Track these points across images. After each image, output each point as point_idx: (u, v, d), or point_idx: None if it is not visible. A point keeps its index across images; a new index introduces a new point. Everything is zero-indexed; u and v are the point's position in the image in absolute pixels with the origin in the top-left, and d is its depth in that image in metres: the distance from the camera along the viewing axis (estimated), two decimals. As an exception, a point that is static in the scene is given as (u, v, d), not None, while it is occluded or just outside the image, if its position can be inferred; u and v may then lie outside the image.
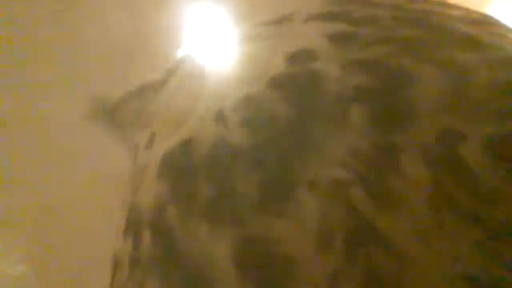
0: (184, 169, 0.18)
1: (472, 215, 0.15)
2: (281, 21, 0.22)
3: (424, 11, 0.20)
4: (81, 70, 0.64)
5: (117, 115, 0.30)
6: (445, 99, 0.16)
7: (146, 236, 0.19)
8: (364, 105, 0.16)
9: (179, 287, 0.17)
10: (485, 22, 0.20)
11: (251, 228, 0.16)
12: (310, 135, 0.16)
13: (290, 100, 0.17)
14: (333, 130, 0.16)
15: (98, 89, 0.61)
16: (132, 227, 0.20)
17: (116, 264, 0.21)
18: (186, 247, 0.17)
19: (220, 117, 0.18)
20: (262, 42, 0.21)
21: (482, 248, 0.15)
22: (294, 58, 0.19)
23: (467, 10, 0.21)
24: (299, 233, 0.15)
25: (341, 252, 0.15)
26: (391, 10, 0.20)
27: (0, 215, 0.75)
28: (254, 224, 0.16)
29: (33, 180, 0.78)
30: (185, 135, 0.19)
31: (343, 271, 0.15)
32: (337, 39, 0.18)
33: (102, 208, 0.72)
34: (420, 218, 0.15)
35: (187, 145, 0.19)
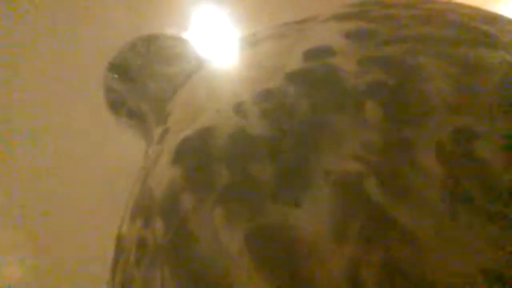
0: (201, 156, 0.19)
1: (489, 212, 0.15)
2: (301, 22, 0.22)
3: (440, 10, 0.20)
4: (80, 70, 0.64)
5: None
6: (459, 97, 0.17)
7: (158, 223, 0.19)
8: (379, 100, 0.17)
9: (190, 275, 0.17)
10: (499, 20, 0.20)
11: (267, 217, 0.16)
12: (326, 127, 0.17)
13: (308, 93, 0.18)
14: (349, 123, 0.16)
15: (98, 90, 0.61)
16: (142, 211, 0.20)
17: (121, 247, 0.21)
18: (200, 235, 0.17)
19: (239, 109, 0.19)
20: (279, 40, 0.21)
21: (500, 244, 0.14)
22: (311, 54, 0.19)
23: (481, 9, 0.22)
24: (315, 222, 0.16)
25: (357, 241, 0.15)
26: (408, 9, 0.20)
27: (0, 215, 0.75)
28: (270, 213, 0.16)
29: (33, 180, 0.78)
30: (202, 125, 0.20)
31: (361, 259, 0.15)
32: (354, 36, 0.19)
33: (103, 208, 0.72)
34: (436, 211, 0.15)
35: (205, 133, 0.19)
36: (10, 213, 0.76)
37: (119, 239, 0.22)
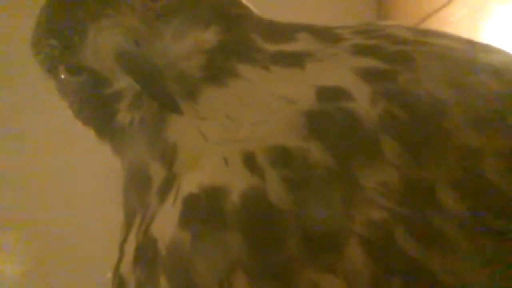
0: (213, 220, 0.18)
1: (503, 234, 0.15)
2: (322, 38, 0.22)
3: (444, 46, 0.21)
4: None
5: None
6: (467, 119, 0.17)
7: (163, 281, 0.18)
8: (394, 137, 0.17)
9: None
10: (493, 50, 0.22)
11: (296, 285, 0.16)
12: (350, 180, 0.16)
13: (327, 143, 0.17)
14: (369, 168, 0.16)
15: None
16: (145, 262, 0.20)
17: (122, 285, 0.21)
18: None
19: (251, 165, 0.18)
20: (298, 68, 0.21)
21: None
22: (326, 93, 0.19)
23: (476, 41, 0.23)
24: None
25: None
26: (416, 46, 0.21)
27: (0, 215, 0.75)
28: (299, 282, 0.16)
29: (33, 180, 0.78)
30: (210, 180, 0.19)
31: None
32: (367, 76, 0.19)
33: (102, 208, 0.72)
34: (467, 256, 0.15)
35: (214, 194, 0.18)
36: (10, 214, 0.76)
37: (119, 277, 0.21)
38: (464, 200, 0.15)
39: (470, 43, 0.22)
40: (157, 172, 0.22)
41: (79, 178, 0.79)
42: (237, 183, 0.18)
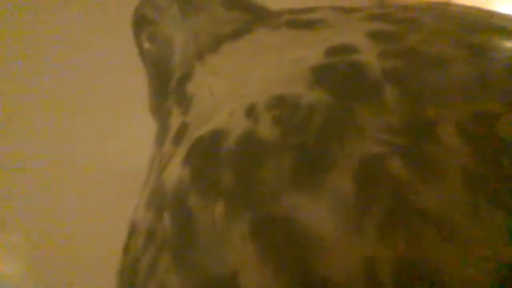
0: (209, 158, 0.20)
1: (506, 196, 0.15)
2: (339, 10, 0.23)
3: (454, 11, 0.22)
4: (80, 69, 0.64)
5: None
6: (477, 82, 0.17)
7: (166, 217, 0.20)
8: (397, 84, 0.17)
9: (192, 265, 0.18)
10: (501, 15, 0.22)
11: (274, 209, 0.16)
12: (347, 118, 0.17)
13: (329, 88, 0.18)
14: (369, 109, 0.17)
15: (99, 90, 0.61)
16: (155, 204, 0.21)
17: (133, 231, 0.23)
18: (201, 229, 0.18)
19: (251, 113, 0.19)
20: (310, 31, 0.22)
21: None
22: (334, 50, 0.20)
23: (489, 10, 0.23)
24: (330, 212, 0.15)
25: (377, 235, 0.15)
26: (426, 12, 0.21)
27: (0, 216, 0.75)
28: (278, 205, 0.16)
29: (33, 180, 0.78)
30: (215, 126, 0.21)
31: (380, 253, 0.14)
32: (376, 36, 0.20)
33: (102, 208, 0.72)
34: (458, 196, 0.15)
35: (215, 135, 0.20)
36: (11, 214, 0.76)
37: (134, 222, 0.23)
38: (468, 143, 0.15)
39: (488, 11, 0.22)
40: (175, 120, 0.24)
41: (80, 178, 0.79)
42: (235, 128, 0.19)
